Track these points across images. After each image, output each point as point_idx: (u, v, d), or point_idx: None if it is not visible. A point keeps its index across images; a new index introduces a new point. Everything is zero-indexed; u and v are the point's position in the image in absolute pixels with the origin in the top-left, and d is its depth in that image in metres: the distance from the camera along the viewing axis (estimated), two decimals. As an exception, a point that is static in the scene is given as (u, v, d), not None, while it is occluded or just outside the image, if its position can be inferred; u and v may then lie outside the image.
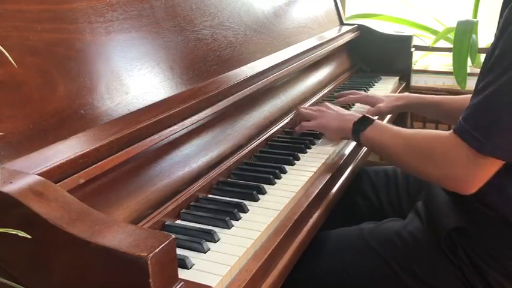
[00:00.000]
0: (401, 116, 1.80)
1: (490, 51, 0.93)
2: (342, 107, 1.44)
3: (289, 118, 1.33)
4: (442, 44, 2.44)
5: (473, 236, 0.97)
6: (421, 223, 1.06)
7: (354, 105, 1.52)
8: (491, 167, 0.89)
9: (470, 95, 1.29)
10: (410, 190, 1.29)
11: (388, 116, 1.53)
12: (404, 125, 1.99)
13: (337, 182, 1.11)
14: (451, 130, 0.93)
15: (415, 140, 1.00)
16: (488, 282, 0.95)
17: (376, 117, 1.13)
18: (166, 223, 0.85)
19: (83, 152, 0.72)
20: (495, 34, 0.96)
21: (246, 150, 1.12)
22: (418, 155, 0.98)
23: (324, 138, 1.25)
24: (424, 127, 2.30)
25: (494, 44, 0.91)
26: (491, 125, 0.86)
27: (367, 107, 1.46)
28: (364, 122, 1.10)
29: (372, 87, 1.73)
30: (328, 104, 1.27)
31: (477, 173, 0.90)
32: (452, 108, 1.31)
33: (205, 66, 1.11)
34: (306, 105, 1.44)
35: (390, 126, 1.08)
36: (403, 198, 1.29)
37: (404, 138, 1.02)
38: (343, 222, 1.18)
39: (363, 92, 1.51)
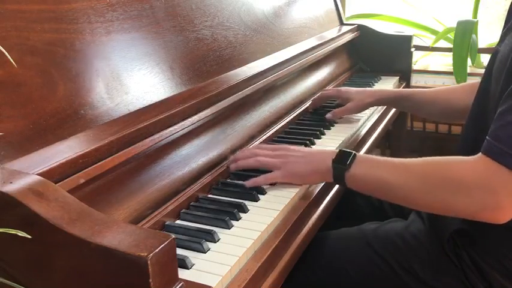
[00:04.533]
0: (401, 115, 1.80)
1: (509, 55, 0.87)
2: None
3: (289, 118, 1.33)
4: (442, 44, 2.44)
5: (476, 238, 0.96)
6: (423, 224, 1.06)
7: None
8: None
9: (442, 88, 1.31)
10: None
11: (391, 113, 1.53)
12: (403, 125, 1.99)
13: (337, 182, 1.10)
14: (479, 154, 0.82)
15: (433, 172, 0.85)
16: (490, 284, 0.95)
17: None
18: (166, 223, 0.85)
19: (83, 152, 0.72)
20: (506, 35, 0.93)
21: (246, 150, 1.12)
22: (443, 188, 0.83)
23: (324, 138, 1.25)
24: (424, 127, 2.30)
25: None
26: None
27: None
28: (345, 157, 0.92)
29: (371, 87, 1.73)
30: (287, 145, 1.05)
31: None
32: (424, 101, 1.31)
33: (205, 66, 1.11)
34: (306, 105, 1.44)
35: (379, 157, 0.93)
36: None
37: (416, 171, 0.87)
38: (344, 221, 1.18)
39: (333, 88, 1.46)
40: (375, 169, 0.90)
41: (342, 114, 1.37)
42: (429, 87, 2.23)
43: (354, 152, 0.93)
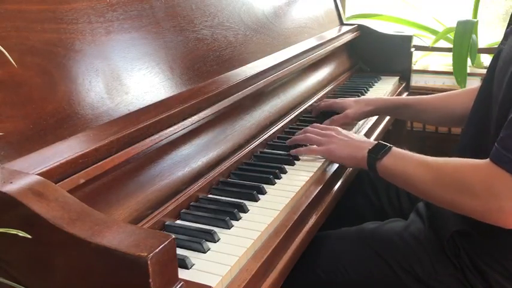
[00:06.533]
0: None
1: None
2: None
3: (289, 118, 1.33)
4: (442, 44, 2.44)
5: (476, 238, 0.96)
6: (423, 224, 1.06)
7: None
8: None
9: (440, 95, 1.31)
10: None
11: (387, 118, 1.53)
12: (403, 125, 1.99)
13: (337, 182, 1.11)
14: (488, 159, 0.85)
15: (447, 171, 0.90)
16: (490, 284, 0.95)
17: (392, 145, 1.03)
18: (166, 223, 0.85)
19: (82, 152, 0.72)
20: None
21: (246, 150, 1.12)
22: (453, 187, 0.88)
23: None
24: (424, 127, 2.31)
25: None
26: None
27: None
28: (380, 149, 1.00)
29: (371, 87, 1.73)
30: (338, 128, 1.16)
31: None
32: (423, 109, 1.31)
33: (205, 66, 1.11)
34: (306, 105, 1.44)
35: (411, 153, 0.98)
36: (403, 199, 1.29)
37: (434, 169, 0.92)
38: (344, 222, 1.18)
39: (332, 99, 1.44)
40: (402, 162, 0.97)
41: (341, 121, 1.34)
42: (429, 87, 2.26)
43: (390, 145, 1.00)
